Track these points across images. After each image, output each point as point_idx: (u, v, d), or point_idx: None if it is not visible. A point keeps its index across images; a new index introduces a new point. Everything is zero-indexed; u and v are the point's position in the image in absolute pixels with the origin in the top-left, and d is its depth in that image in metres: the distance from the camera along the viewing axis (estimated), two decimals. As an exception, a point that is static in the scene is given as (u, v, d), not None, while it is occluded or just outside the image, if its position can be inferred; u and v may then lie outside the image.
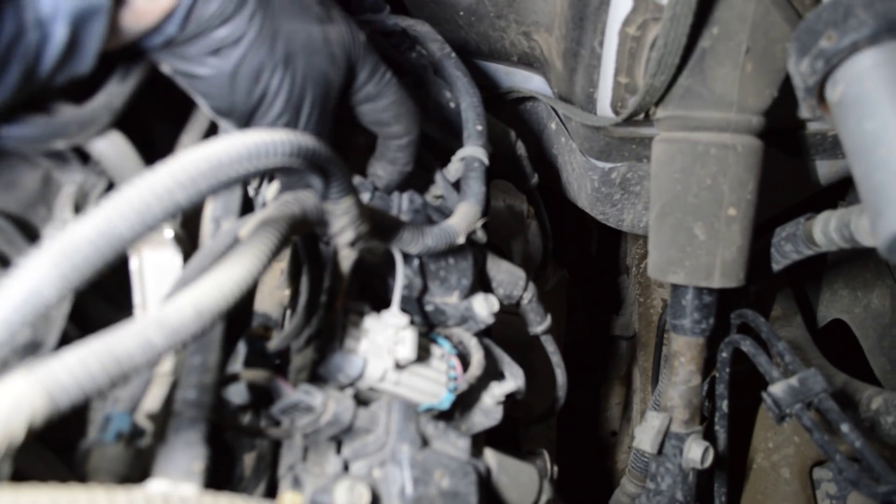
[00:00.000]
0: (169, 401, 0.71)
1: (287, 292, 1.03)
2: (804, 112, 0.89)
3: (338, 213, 0.68)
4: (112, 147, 0.70)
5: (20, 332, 0.46)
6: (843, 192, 1.61)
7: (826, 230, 1.10)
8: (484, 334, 1.02)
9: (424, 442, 0.80)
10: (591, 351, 1.98)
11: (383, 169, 0.92)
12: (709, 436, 1.22)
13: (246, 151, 0.53)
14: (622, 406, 1.93)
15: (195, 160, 0.51)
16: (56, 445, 0.71)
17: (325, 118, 0.75)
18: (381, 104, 0.83)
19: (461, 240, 0.87)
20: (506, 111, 1.48)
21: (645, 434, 1.15)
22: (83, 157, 0.75)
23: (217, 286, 0.55)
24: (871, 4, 0.79)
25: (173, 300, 0.53)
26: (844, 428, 1.04)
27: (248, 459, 0.84)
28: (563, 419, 1.73)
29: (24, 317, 0.45)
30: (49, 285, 0.46)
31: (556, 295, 1.73)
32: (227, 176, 0.53)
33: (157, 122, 0.83)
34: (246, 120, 0.73)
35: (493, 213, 1.39)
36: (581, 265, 2.19)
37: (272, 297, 1.02)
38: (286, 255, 1.05)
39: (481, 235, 1.09)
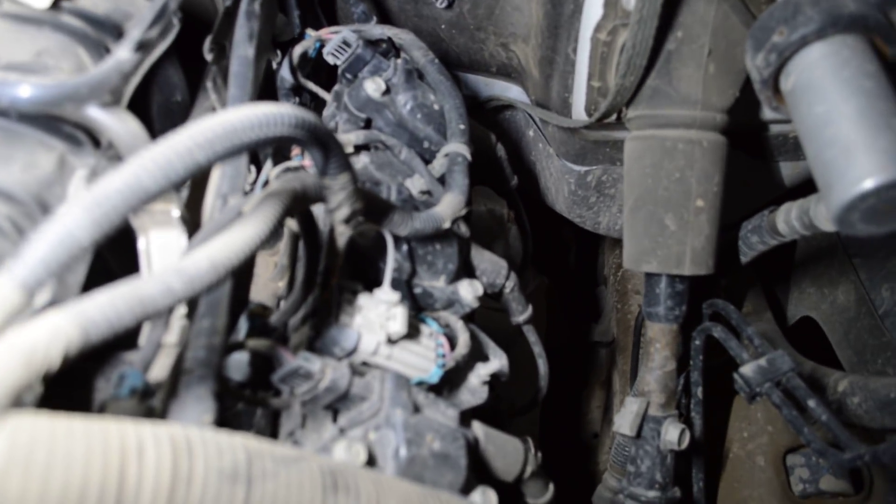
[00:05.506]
0: (177, 369, 0.76)
1: (281, 283, 1.08)
2: (763, 104, 0.96)
3: (335, 189, 0.74)
4: (124, 127, 0.76)
5: (56, 272, 0.51)
6: (805, 195, 1.69)
7: (788, 219, 1.17)
8: (468, 320, 1.07)
9: (416, 409, 0.85)
10: (571, 357, 2.04)
11: None
12: (685, 423, 1.28)
13: (257, 120, 0.59)
14: (603, 409, 1.98)
15: (213, 125, 0.57)
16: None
17: None
18: None
19: (447, 225, 0.93)
20: (486, 120, 1.55)
21: (624, 418, 1.21)
22: (95, 142, 0.80)
23: (229, 243, 0.61)
24: (817, 2, 0.87)
25: (190, 255, 0.59)
26: (811, 403, 1.10)
27: (247, 438, 0.88)
28: (546, 422, 1.78)
29: (59, 257, 0.50)
30: (82, 229, 0.51)
31: (535, 300, 1.78)
32: (241, 141, 0.58)
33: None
34: None
35: (475, 217, 1.45)
36: (560, 275, 2.25)
37: (266, 289, 1.07)
38: (281, 249, 1.11)
39: (465, 230, 1.15)
